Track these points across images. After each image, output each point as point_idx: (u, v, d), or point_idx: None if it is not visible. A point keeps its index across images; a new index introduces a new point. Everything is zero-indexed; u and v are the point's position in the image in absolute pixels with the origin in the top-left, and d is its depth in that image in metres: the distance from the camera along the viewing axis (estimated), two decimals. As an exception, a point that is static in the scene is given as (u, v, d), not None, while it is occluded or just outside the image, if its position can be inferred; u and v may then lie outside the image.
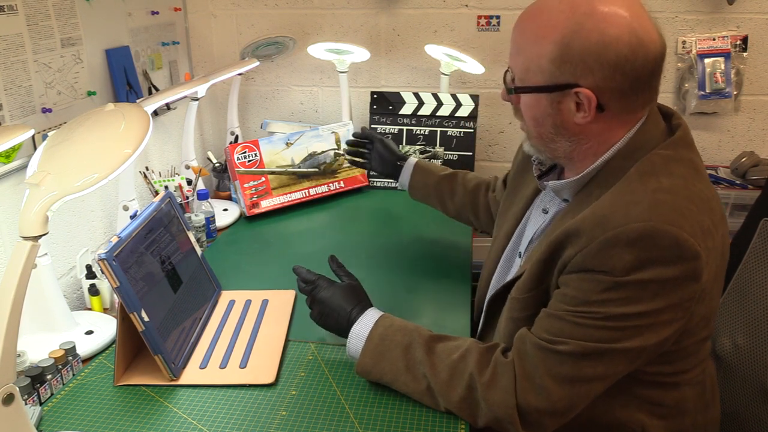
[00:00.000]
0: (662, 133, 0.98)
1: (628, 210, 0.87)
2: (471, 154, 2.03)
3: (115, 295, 1.12)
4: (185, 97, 1.67)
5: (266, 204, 1.83)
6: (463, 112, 2.03)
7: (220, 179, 2.03)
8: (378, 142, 1.60)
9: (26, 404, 0.99)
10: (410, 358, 1.01)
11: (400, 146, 2.06)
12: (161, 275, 1.14)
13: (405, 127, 2.07)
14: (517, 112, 1.03)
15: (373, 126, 2.08)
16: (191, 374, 1.10)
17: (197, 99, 1.74)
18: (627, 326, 0.88)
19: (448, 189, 1.51)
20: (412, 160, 1.57)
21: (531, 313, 0.98)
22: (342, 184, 1.97)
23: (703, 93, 2.02)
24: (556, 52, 0.91)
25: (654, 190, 0.88)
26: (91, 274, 1.32)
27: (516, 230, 1.17)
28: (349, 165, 1.99)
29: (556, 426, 0.94)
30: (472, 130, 2.03)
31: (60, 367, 1.07)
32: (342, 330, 1.11)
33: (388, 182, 2.07)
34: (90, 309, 1.32)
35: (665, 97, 2.10)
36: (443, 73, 2.05)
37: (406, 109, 2.06)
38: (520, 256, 1.12)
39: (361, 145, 1.64)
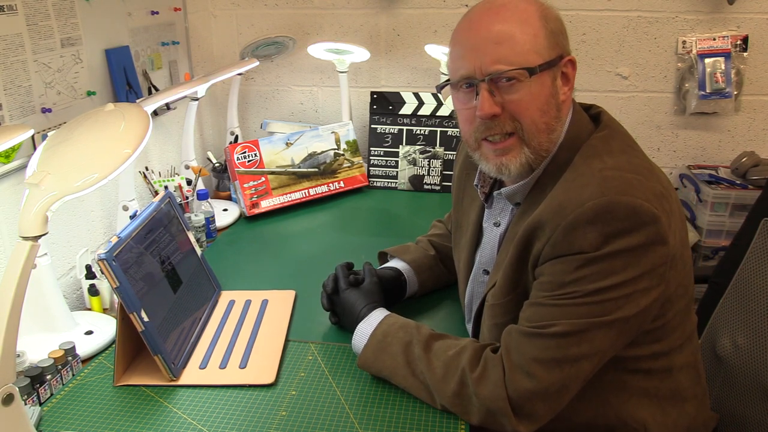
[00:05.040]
0: (589, 122, 1.04)
1: (581, 192, 0.90)
2: (471, 154, 2.03)
3: (114, 295, 1.11)
4: (185, 97, 1.67)
5: (266, 204, 1.82)
6: (463, 112, 2.03)
7: (220, 179, 2.03)
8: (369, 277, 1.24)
9: (26, 404, 0.99)
10: (409, 353, 1.03)
11: (400, 146, 2.06)
12: (161, 275, 1.13)
13: (405, 127, 2.07)
14: (503, 121, 0.97)
15: (373, 126, 2.08)
16: (191, 374, 1.10)
17: (197, 99, 1.74)
18: (605, 299, 0.89)
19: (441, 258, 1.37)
20: (402, 265, 1.31)
21: (514, 316, 0.99)
22: (342, 184, 1.97)
23: (703, 93, 2.02)
24: (545, 27, 0.96)
25: (600, 169, 0.93)
26: (90, 274, 1.32)
27: (476, 254, 1.17)
28: (349, 165, 1.99)
29: (550, 413, 0.94)
30: (472, 130, 2.03)
31: (60, 367, 1.07)
32: (354, 328, 1.13)
33: (388, 182, 2.07)
34: (90, 309, 1.32)
35: (665, 97, 2.10)
36: (443, 73, 2.05)
37: (406, 109, 2.06)
38: (486, 273, 1.13)
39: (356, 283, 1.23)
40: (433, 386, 0.99)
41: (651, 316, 0.95)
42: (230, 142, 2.09)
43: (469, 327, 1.18)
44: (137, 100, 1.55)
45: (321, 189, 1.93)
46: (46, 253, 1.17)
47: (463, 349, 1.00)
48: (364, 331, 1.09)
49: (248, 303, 1.32)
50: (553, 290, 0.92)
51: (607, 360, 0.94)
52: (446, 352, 1.00)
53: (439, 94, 1.96)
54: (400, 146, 2.06)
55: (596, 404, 1.00)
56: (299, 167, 1.91)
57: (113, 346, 1.17)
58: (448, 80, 1.03)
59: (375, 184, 2.07)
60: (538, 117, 0.97)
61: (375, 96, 2.08)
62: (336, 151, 1.99)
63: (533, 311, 0.94)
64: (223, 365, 1.12)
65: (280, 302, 1.32)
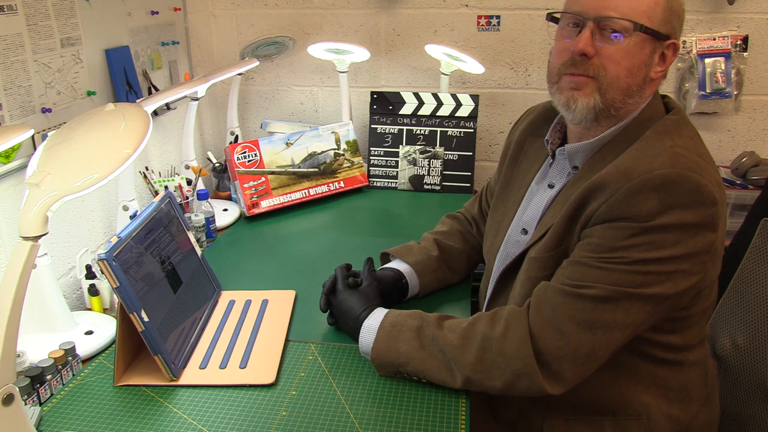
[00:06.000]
0: (662, 108, 1.08)
1: (651, 161, 0.94)
2: (471, 154, 2.03)
3: (114, 295, 1.12)
4: (185, 97, 1.67)
5: (266, 204, 1.83)
6: (463, 112, 2.03)
7: (220, 179, 2.03)
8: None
9: (26, 404, 0.99)
10: (423, 336, 1.04)
11: (400, 146, 2.06)
12: (161, 275, 1.14)
13: (405, 127, 2.07)
14: (590, 65, 1.00)
15: (373, 126, 2.08)
16: (191, 374, 1.10)
17: (197, 99, 1.74)
18: (650, 271, 0.92)
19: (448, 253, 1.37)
20: (404, 266, 1.31)
21: (549, 273, 1.01)
22: (342, 184, 1.97)
23: (703, 93, 2.02)
24: (667, 2, 1.00)
25: (671, 146, 0.97)
26: (90, 275, 1.32)
27: (517, 212, 1.18)
28: (349, 165, 2.00)
29: (577, 377, 0.95)
30: (472, 130, 2.03)
31: (60, 367, 1.07)
32: (353, 331, 1.13)
33: (388, 182, 2.07)
34: (90, 309, 1.32)
35: (665, 97, 2.10)
36: (443, 73, 2.05)
37: (406, 109, 2.06)
38: (525, 233, 1.14)
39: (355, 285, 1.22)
40: (453, 358, 1.00)
41: (683, 302, 0.97)
42: (230, 142, 2.09)
43: (489, 287, 1.19)
44: (137, 100, 1.55)
45: (321, 189, 1.93)
46: (46, 253, 1.17)
47: (476, 319, 1.02)
48: (372, 325, 1.09)
49: (248, 303, 1.32)
50: (601, 252, 0.94)
51: (633, 336, 0.96)
52: (460, 325, 1.03)
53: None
54: (400, 146, 2.06)
55: (607, 382, 1.02)
56: (299, 167, 1.91)
57: (113, 346, 1.17)
58: (553, 17, 1.08)
59: (375, 184, 2.07)
60: (623, 75, 1.00)
61: (375, 96, 2.08)
62: (336, 151, 1.99)
63: (574, 270, 0.96)
64: (223, 365, 1.12)
65: (280, 302, 1.32)
